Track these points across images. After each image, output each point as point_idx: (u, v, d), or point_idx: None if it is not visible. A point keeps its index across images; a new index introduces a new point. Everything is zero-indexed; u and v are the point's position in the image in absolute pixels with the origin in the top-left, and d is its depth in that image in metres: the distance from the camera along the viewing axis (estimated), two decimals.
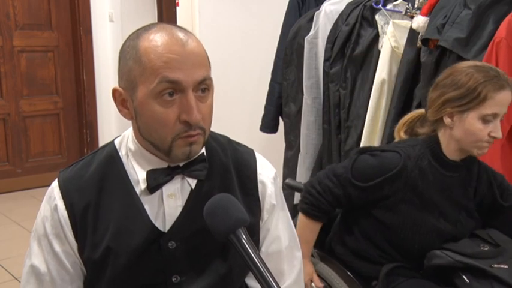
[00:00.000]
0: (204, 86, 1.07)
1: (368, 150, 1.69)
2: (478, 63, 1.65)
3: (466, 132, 1.57)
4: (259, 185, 1.22)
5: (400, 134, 1.75)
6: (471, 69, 1.56)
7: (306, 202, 1.72)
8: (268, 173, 1.24)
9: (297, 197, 2.80)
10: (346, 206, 1.72)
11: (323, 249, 1.83)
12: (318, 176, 1.72)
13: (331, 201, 1.68)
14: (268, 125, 3.04)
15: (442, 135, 1.63)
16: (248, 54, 3.46)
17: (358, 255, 1.72)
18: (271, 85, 3.00)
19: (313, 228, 1.73)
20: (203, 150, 1.16)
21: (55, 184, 1.16)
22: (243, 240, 0.97)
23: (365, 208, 1.68)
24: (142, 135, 1.11)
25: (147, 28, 1.08)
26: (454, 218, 1.66)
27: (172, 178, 1.13)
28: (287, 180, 2.08)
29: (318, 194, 1.68)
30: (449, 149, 1.63)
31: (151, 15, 4.53)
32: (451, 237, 1.65)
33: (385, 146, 1.72)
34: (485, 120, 1.55)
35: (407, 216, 1.62)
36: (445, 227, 1.64)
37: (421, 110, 1.74)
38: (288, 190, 2.83)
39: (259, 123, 3.05)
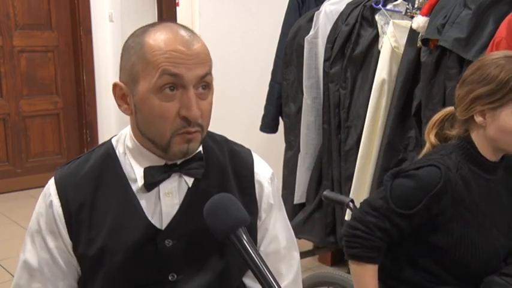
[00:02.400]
0: (205, 83, 1.08)
1: (401, 172, 1.49)
2: (508, 52, 1.48)
3: (501, 131, 1.42)
4: (256, 185, 1.22)
5: (430, 138, 1.57)
6: (501, 60, 1.41)
7: (354, 247, 1.49)
8: (265, 173, 1.24)
9: (297, 197, 2.80)
10: (398, 239, 1.50)
11: None
12: (356, 216, 1.52)
13: (381, 236, 1.47)
14: (268, 125, 3.03)
15: (476, 136, 1.47)
16: (248, 54, 3.46)
17: (404, 282, 1.55)
18: (271, 85, 3.00)
19: (372, 272, 1.49)
20: (200, 148, 1.17)
21: (51, 181, 1.17)
22: (244, 240, 0.97)
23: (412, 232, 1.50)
24: (140, 131, 1.11)
25: (152, 25, 1.10)
26: (506, 225, 1.51)
27: (169, 176, 1.13)
28: (325, 193, 1.88)
29: (364, 234, 1.47)
30: (485, 150, 1.47)
31: (151, 15, 4.53)
32: (507, 251, 1.51)
33: (418, 162, 1.52)
34: None
35: (459, 235, 1.45)
36: (498, 239, 1.49)
37: (450, 108, 1.57)
38: (288, 190, 2.84)
39: (259, 123, 3.05)
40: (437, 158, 1.47)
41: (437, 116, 1.58)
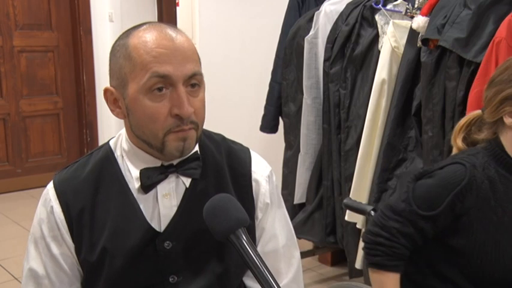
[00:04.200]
0: (194, 82, 1.07)
1: (424, 173, 1.44)
2: None
3: None
4: (253, 183, 1.21)
5: (457, 142, 1.50)
6: None
7: (377, 255, 1.42)
8: (262, 171, 1.23)
9: (297, 197, 2.80)
10: (421, 244, 1.43)
11: None
12: (378, 222, 1.44)
13: (405, 243, 1.40)
14: (268, 125, 3.03)
15: (505, 138, 1.40)
16: (248, 55, 3.46)
17: None
18: (271, 85, 3.00)
19: (394, 281, 1.42)
20: (197, 148, 1.16)
21: (50, 186, 1.16)
22: (243, 241, 0.97)
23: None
24: (134, 133, 1.11)
25: (136, 27, 1.10)
26: None
27: (166, 177, 1.13)
28: (346, 201, 1.82)
29: (388, 241, 1.41)
30: None
31: (151, 15, 4.52)
32: None
33: (442, 162, 1.46)
34: None
35: (483, 239, 1.37)
36: None
37: (477, 111, 1.49)
38: (288, 190, 2.84)
39: (259, 123, 3.05)
40: (463, 156, 1.41)
41: (463, 120, 1.52)
